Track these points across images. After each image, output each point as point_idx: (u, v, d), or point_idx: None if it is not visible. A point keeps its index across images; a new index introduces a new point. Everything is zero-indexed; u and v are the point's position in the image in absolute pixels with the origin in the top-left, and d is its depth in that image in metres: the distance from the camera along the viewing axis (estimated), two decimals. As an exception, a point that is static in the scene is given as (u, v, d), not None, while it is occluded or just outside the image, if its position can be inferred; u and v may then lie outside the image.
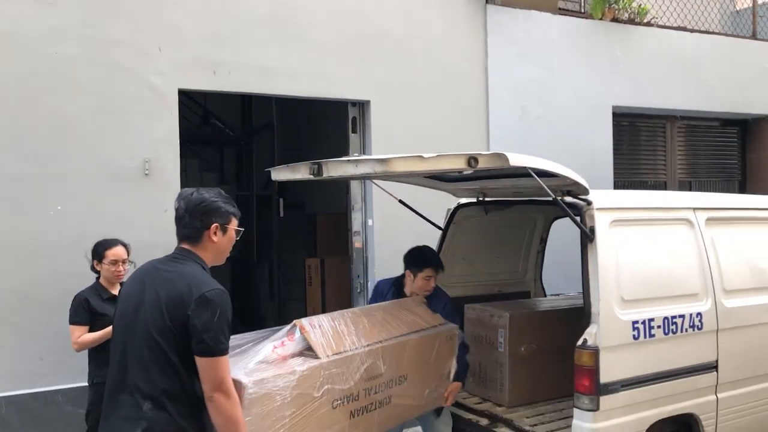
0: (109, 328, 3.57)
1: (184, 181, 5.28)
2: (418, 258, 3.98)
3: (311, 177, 3.31)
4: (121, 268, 3.92)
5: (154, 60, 4.78)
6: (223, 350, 2.36)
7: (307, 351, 3.03)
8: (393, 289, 4.06)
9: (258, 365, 2.81)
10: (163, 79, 4.80)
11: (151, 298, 2.43)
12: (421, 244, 4.12)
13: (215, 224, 2.54)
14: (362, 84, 5.52)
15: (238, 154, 11.04)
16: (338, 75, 5.42)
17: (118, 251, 3.94)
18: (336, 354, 3.08)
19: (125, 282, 2.68)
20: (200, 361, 2.34)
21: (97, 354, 3.83)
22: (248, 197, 10.26)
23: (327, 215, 8.04)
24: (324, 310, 7.43)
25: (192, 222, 2.52)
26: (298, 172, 3.43)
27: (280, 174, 3.64)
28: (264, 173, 3.91)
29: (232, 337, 3.05)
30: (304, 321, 3.17)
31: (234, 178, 10.98)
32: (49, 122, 4.50)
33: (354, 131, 5.65)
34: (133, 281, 2.58)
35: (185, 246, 2.56)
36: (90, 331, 3.82)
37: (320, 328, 3.17)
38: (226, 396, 2.36)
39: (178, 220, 2.56)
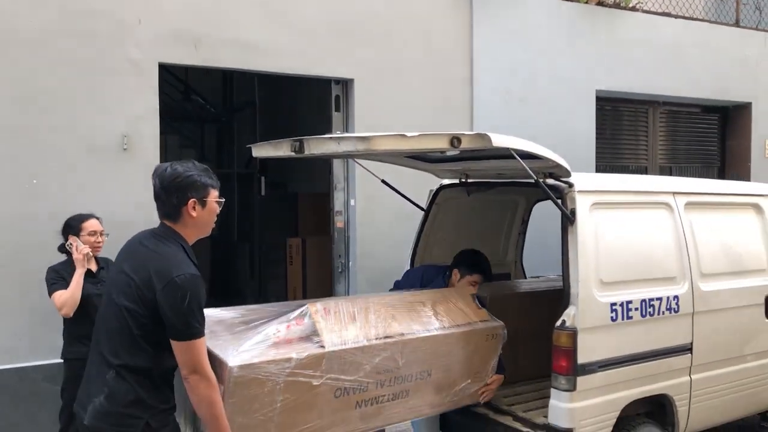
0: (79, 279, 3.67)
1: (164, 157, 5.19)
2: (472, 261, 3.96)
3: (293, 154, 3.28)
4: (100, 238, 3.90)
5: (134, 32, 4.67)
6: (194, 334, 2.35)
7: (314, 336, 2.93)
8: (442, 279, 3.99)
9: (254, 346, 2.74)
10: (143, 53, 4.70)
11: (126, 273, 2.44)
12: (402, 226, 4.10)
13: (192, 199, 2.48)
14: (346, 62, 5.46)
15: (219, 131, 10.92)
16: (322, 53, 5.35)
17: (93, 223, 3.91)
18: (344, 344, 2.96)
19: (117, 255, 2.65)
20: (174, 345, 2.35)
21: (70, 330, 3.80)
22: (229, 175, 10.17)
23: (309, 195, 8.01)
24: (305, 290, 7.44)
25: (168, 199, 2.47)
26: (280, 149, 3.40)
27: (262, 151, 3.59)
28: (245, 151, 3.87)
29: (247, 307, 3.16)
30: (318, 305, 3.06)
31: (215, 156, 10.86)
32: (25, 94, 4.39)
33: (337, 110, 5.60)
34: (120, 253, 2.60)
35: (167, 222, 2.52)
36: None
37: (335, 314, 3.05)
38: (201, 377, 2.36)
39: (156, 197, 2.52)
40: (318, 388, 2.85)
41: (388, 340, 3.11)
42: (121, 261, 2.55)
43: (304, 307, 3.04)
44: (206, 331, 2.46)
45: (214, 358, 2.61)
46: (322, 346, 2.89)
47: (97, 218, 3.96)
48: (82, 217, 3.91)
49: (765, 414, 4.72)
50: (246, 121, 9.84)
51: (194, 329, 2.35)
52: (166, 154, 7.48)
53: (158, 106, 4.78)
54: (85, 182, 4.53)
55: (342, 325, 3.03)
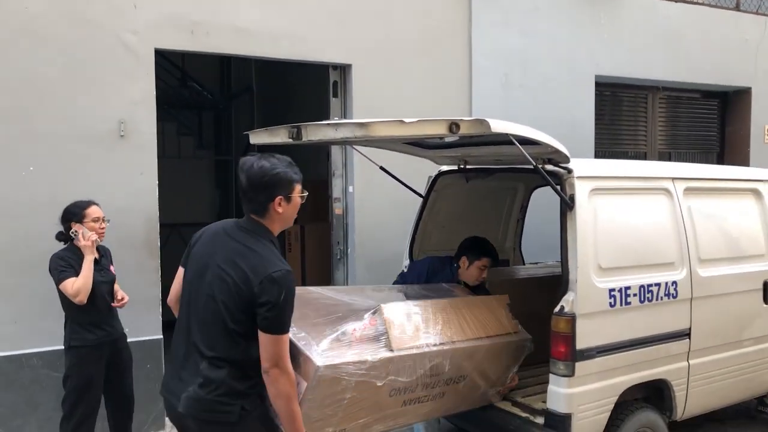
0: (90, 265, 3.66)
1: (161, 144, 5.17)
2: (478, 246, 4.00)
3: (290, 141, 3.26)
4: (103, 225, 3.86)
5: (130, 17, 4.62)
6: (284, 329, 2.43)
7: (383, 337, 3.07)
8: (449, 270, 4.01)
9: (333, 344, 2.88)
10: (139, 38, 4.66)
11: (218, 266, 2.49)
12: (401, 213, 4.10)
13: (279, 197, 2.53)
14: (344, 48, 5.41)
15: (216, 118, 10.85)
16: (319, 38, 5.31)
17: (96, 209, 3.86)
18: (409, 349, 3.11)
19: (196, 244, 2.65)
20: (262, 336, 2.42)
21: (75, 317, 3.76)
22: (227, 162, 10.13)
23: (307, 181, 7.94)
24: (304, 277, 7.44)
25: (256, 197, 2.53)
26: (277, 136, 3.38)
27: (259, 137, 3.57)
28: (243, 138, 3.84)
29: (314, 290, 3.33)
30: (388, 309, 3.18)
31: (212, 143, 10.82)
32: (19, 80, 4.34)
33: (335, 96, 5.56)
34: (202, 244, 2.63)
35: (253, 217, 2.58)
36: None
37: (403, 318, 3.20)
38: (281, 371, 2.43)
39: (243, 194, 2.56)
40: (380, 388, 3.02)
41: (443, 347, 3.27)
42: (208, 253, 2.56)
43: (376, 308, 3.18)
44: None
45: (298, 352, 2.74)
46: (391, 350, 3.04)
47: (97, 204, 3.92)
48: (84, 204, 3.85)
49: (762, 398, 4.75)
50: (244, 107, 9.78)
51: (285, 324, 2.43)
52: (163, 141, 7.46)
53: (155, 92, 4.75)
54: (81, 169, 4.50)
55: (407, 330, 3.18)
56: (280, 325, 2.42)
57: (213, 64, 10.09)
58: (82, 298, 3.65)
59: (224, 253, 2.51)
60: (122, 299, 3.94)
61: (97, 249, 3.87)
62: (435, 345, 3.23)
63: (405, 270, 4.38)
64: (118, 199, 4.45)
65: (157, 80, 4.87)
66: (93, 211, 3.84)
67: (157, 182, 4.76)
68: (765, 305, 4.38)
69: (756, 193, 4.54)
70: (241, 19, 4.98)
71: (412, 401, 3.23)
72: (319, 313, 3.11)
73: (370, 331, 3.05)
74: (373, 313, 3.16)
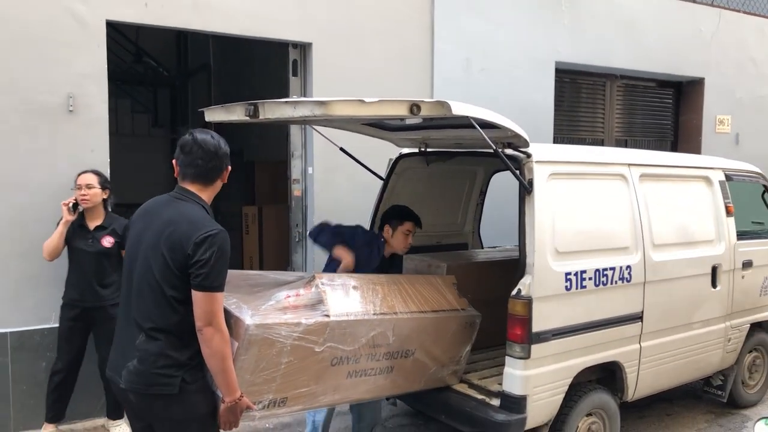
0: (61, 228, 4.10)
1: (114, 121, 5.00)
2: (398, 211, 3.99)
3: (247, 119, 3.16)
4: (84, 191, 4.10)
5: (79, -13, 4.43)
6: (217, 286, 2.45)
7: (320, 305, 3.06)
8: (378, 248, 3.93)
9: (267, 309, 2.88)
10: (89, 8, 4.46)
11: (151, 237, 2.53)
12: (361, 195, 4.04)
13: (229, 168, 2.70)
14: (304, 26, 5.30)
15: (172, 95, 10.59)
16: (279, 15, 5.18)
17: (83, 177, 4.15)
18: (347, 315, 3.10)
19: (131, 220, 2.75)
20: (196, 295, 2.44)
21: (66, 276, 4.19)
22: (183, 142, 9.88)
23: (265, 163, 7.85)
24: (261, 259, 7.34)
25: (210, 164, 2.63)
26: (234, 113, 3.28)
27: (215, 115, 3.47)
28: (200, 116, 3.73)
29: (251, 273, 3.39)
30: (324, 276, 3.21)
31: (168, 121, 10.55)
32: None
33: (295, 74, 5.45)
34: (137, 219, 2.69)
35: (188, 186, 2.64)
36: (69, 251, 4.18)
37: (340, 287, 3.21)
38: (215, 330, 2.44)
39: (192, 161, 2.62)
40: (319, 355, 2.99)
41: (384, 316, 3.27)
42: (142, 227, 2.62)
43: (312, 277, 3.20)
44: None
45: (229, 316, 2.71)
46: (327, 315, 3.02)
47: (97, 174, 4.20)
48: (82, 172, 4.18)
49: (708, 379, 4.91)
50: (201, 84, 9.56)
51: (218, 282, 2.46)
52: (116, 118, 7.21)
53: (106, 67, 4.56)
54: (27, 144, 4.31)
55: (345, 298, 3.18)
56: (213, 282, 2.43)
57: (169, 39, 9.81)
58: (45, 256, 4.11)
59: (158, 223, 2.55)
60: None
61: (104, 218, 4.21)
62: (376, 314, 3.24)
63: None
64: (67, 176, 4.29)
65: (110, 55, 4.69)
66: (79, 179, 4.15)
67: (109, 160, 4.60)
68: (713, 289, 4.51)
69: (707, 180, 4.65)
70: (198, -7, 4.82)
71: (358, 373, 3.20)
72: (254, 288, 3.13)
73: (305, 299, 3.06)
74: (309, 281, 3.18)
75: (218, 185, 2.70)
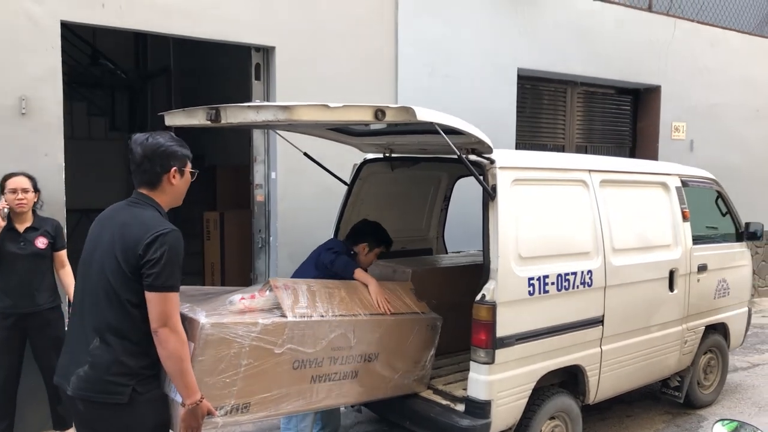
0: None
1: (69, 125, 4.85)
2: (382, 235, 4.07)
3: (209, 123, 3.11)
4: (21, 195, 3.95)
5: (32, -14, 4.29)
6: (171, 286, 2.42)
7: (276, 309, 3.05)
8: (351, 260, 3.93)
9: (222, 310, 2.86)
10: (44, 9, 4.32)
11: (106, 241, 2.51)
12: (325, 201, 4.03)
13: (174, 168, 2.60)
14: (267, 29, 5.24)
15: (131, 98, 10.36)
16: (242, 17, 5.11)
17: (15, 180, 3.97)
18: (303, 317, 3.08)
19: (90, 228, 2.67)
20: (149, 296, 2.40)
21: None
22: (143, 146, 9.67)
23: (227, 167, 7.74)
24: (223, 265, 7.22)
25: (152, 167, 2.57)
26: (195, 118, 3.21)
27: (175, 119, 3.40)
28: (159, 120, 3.65)
29: (204, 287, 3.38)
30: (279, 281, 3.22)
31: (126, 125, 10.32)
32: None
33: (257, 78, 5.39)
34: (94, 226, 2.65)
35: (143, 191, 2.62)
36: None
37: (294, 290, 3.19)
38: (171, 331, 2.41)
39: (137, 166, 2.59)
40: (279, 357, 2.97)
41: (344, 318, 3.27)
42: (97, 232, 2.60)
43: (266, 282, 3.22)
44: None
45: (184, 319, 2.65)
46: (284, 317, 3.02)
47: (29, 177, 4.02)
48: (8, 175, 3.98)
49: (666, 381, 5.01)
50: (160, 87, 9.38)
51: (172, 282, 2.42)
52: (72, 122, 7.01)
53: (61, 69, 4.43)
54: (-23, 149, 4.15)
55: (302, 300, 3.17)
56: (166, 282, 2.40)
57: (127, 41, 9.61)
58: None
59: (111, 227, 2.54)
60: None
61: (33, 220, 4.05)
62: (335, 315, 3.23)
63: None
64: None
65: (66, 56, 4.55)
66: (11, 183, 3.96)
67: (64, 164, 4.46)
68: (670, 293, 4.61)
69: (664, 186, 4.76)
70: (158, -6, 4.72)
71: (322, 378, 3.18)
72: (207, 295, 3.13)
73: (261, 302, 3.05)
74: (263, 285, 3.19)
75: (171, 188, 2.62)
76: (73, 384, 2.45)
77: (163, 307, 2.39)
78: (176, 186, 2.63)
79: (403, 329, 3.56)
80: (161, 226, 2.46)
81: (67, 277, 4.17)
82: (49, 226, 4.10)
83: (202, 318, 2.73)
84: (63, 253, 4.17)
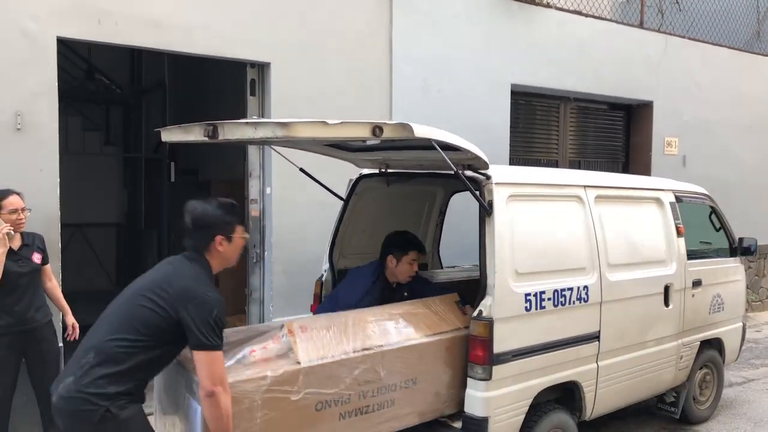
0: (1, 257, 3.72)
1: (64, 140, 4.85)
2: (402, 242, 3.98)
3: (206, 139, 3.10)
4: (21, 215, 3.88)
5: (30, 2, 4.29)
6: (219, 345, 2.55)
7: (291, 353, 3.02)
8: (375, 279, 3.92)
9: (228, 368, 2.79)
10: (40, 25, 4.33)
11: (147, 284, 2.67)
12: (320, 216, 4.02)
13: (220, 236, 2.77)
14: (262, 45, 5.26)
15: (126, 113, 10.36)
16: (237, 34, 5.13)
17: (13, 200, 3.87)
18: (321, 359, 3.04)
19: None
20: (199, 357, 2.51)
21: None
22: (136, 160, 9.68)
23: (222, 182, 7.72)
24: (217, 281, 7.17)
25: (199, 235, 2.77)
26: (191, 134, 3.21)
27: (172, 135, 3.39)
28: (154, 135, 3.64)
29: (227, 329, 3.28)
30: (295, 324, 3.15)
31: (121, 140, 10.31)
32: None
33: (252, 94, 5.40)
34: (148, 271, 2.83)
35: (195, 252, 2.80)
36: None
37: (311, 330, 3.14)
38: (224, 389, 2.52)
39: (187, 233, 2.79)
40: (297, 403, 2.94)
41: (367, 352, 3.20)
42: (141, 276, 2.78)
43: (280, 326, 3.17)
44: None
45: (191, 380, 2.73)
46: (298, 362, 2.98)
47: (17, 193, 3.92)
48: (2, 194, 3.85)
49: (661, 396, 5.01)
50: (155, 102, 9.37)
51: (219, 341, 2.55)
52: (66, 137, 7.00)
53: (56, 84, 4.43)
54: (-29, 164, 4.13)
55: (319, 341, 3.12)
56: (215, 342, 2.52)
57: (122, 56, 9.62)
58: None
59: (156, 273, 2.73)
60: (74, 330, 4.14)
61: (22, 237, 3.95)
62: (357, 352, 3.17)
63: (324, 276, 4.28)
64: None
65: (61, 72, 4.55)
66: (10, 203, 3.85)
67: (59, 180, 4.45)
68: (665, 308, 4.62)
69: (658, 201, 4.79)
70: (154, 10, 4.74)
71: (352, 413, 3.13)
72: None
73: (274, 350, 3.03)
74: (279, 329, 3.14)
75: (219, 253, 2.78)
76: (57, 393, 2.55)
77: (215, 366, 2.51)
78: (224, 252, 2.79)
79: (441, 350, 3.47)
80: (207, 289, 2.61)
81: (55, 290, 4.14)
82: (38, 241, 4.06)
83: None
84: (49, 267, 4.13)
